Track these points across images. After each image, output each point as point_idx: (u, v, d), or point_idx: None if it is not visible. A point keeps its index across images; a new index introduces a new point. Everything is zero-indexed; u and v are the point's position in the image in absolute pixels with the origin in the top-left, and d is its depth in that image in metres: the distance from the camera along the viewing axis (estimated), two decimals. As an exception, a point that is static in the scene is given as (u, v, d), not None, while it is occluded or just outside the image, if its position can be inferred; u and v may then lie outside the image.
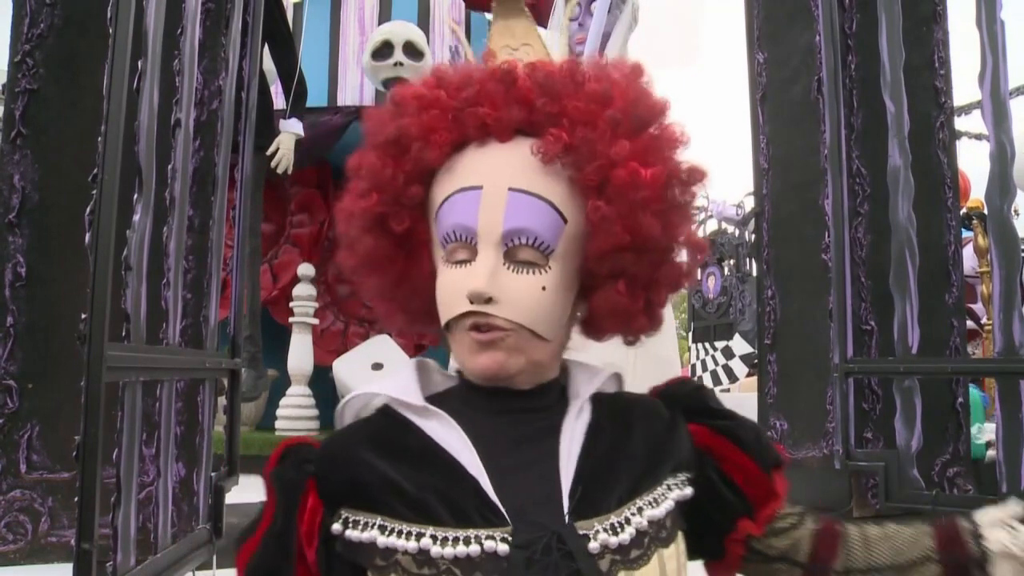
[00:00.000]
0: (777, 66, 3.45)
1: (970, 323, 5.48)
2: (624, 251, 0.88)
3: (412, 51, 5.36)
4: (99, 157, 1.47)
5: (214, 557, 2.09)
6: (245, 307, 4.26)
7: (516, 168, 0.88)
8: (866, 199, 2.86)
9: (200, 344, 2.22)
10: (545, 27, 6.68)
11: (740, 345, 8.78)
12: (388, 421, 0.92)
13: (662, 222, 0.89)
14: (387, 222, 0.93)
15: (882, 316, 2.76)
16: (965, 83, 2.75)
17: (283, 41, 4.42)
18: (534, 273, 0.87)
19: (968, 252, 6.03)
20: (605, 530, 0.83)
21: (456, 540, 0.81)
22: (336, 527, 0.87)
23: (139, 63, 1.62)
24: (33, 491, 2.24)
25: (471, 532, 0.82)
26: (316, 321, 5.40)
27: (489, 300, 0.85)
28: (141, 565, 1.64)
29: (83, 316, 1.43)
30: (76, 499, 1.36)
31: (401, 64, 5.29)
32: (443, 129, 0.90)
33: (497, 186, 0.88)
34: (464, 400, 0.93)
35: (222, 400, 2.43)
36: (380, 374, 4.97)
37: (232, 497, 2.34)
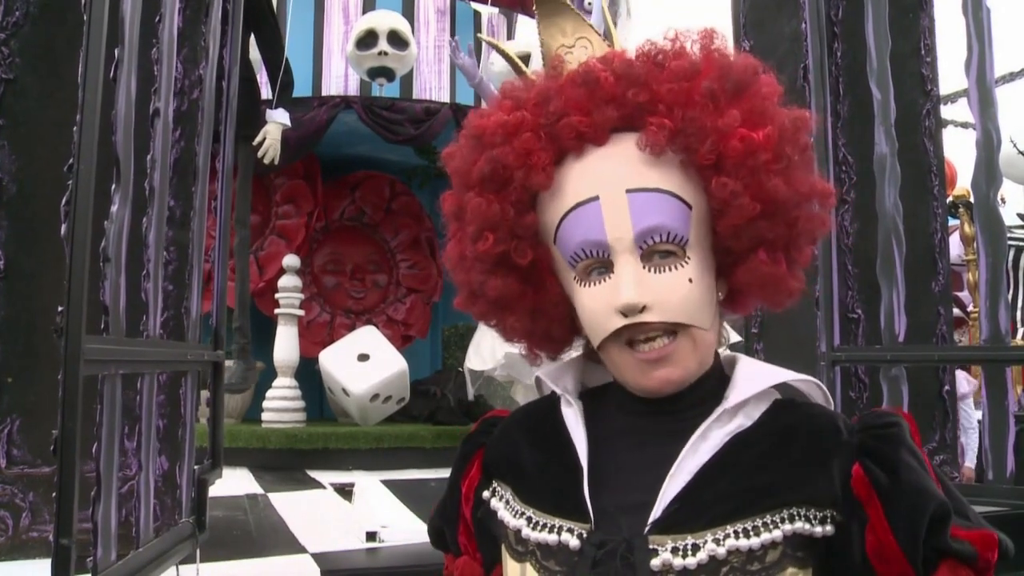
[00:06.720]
0: (763, 54, 3.41)
1: (956, 311, 5.51)
2: (757, 220, 0.86)
3: (397, 40, 5.33)
4: (74, 147, 1.44)
5: (198, 551, 2.07)
6: (233, 298, 4.24)
7: (625, 168, 0.85)
8: (852, 187, 2.87)
9: (182, 336, 2.19)
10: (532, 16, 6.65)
11: (728, 334, 8.83)
12: (547, 405, 0.98)
13: (785, 180, 0.86)
14: (509, 259, 0.90)
15: (868, 304, 2.77)
16: (951, 71, 2.75)
17: (270, 31, 4.38)
18: (676, 268, 0.84)
19: (954, 240, 6.06)
20: (675, 549, 0.80)
21: (544, 526, 0.87)
22: (485, 494, 0.97)
23: (116, 51, 1.59)
24: (14, 486, 2.21)
25: (557, 522, 0.86)
26: (302, 312, 5.39)
27: (643, 309, 0.82)
28: (123, 560, 1.62)
29: (60, 308, 1.41)
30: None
31: (385, 53, 5.26)
32: (540, 150, 0.87)
33: (613, 191, 0.85)
34: (614, 395, 0.93)
35: (206, 393, 2.41)
36: (367, 365, 4.96)
37: (216, 490, 2.33)
